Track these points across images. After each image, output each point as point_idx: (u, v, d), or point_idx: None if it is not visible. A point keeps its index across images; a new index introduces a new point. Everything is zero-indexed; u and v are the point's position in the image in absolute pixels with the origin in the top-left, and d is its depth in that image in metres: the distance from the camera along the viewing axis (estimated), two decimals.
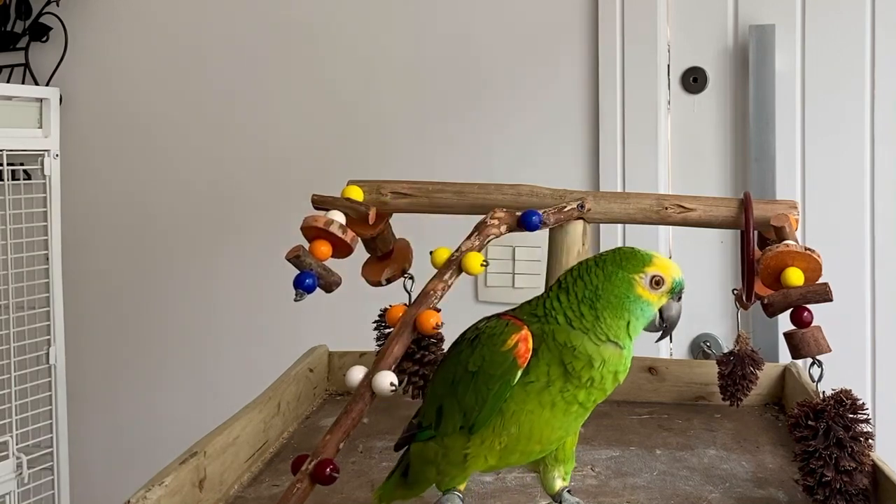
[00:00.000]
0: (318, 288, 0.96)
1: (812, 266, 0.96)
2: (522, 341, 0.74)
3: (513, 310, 0.79)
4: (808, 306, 0.95)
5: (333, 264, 0.98)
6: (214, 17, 2.15)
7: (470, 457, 0.77)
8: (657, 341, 0.79)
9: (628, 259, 0.75)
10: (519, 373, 0.74)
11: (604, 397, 0.77)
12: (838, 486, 0.88)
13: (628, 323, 0.74)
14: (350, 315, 1.56)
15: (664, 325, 0.77)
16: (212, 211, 2.16)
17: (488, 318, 0.79)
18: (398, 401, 1.18)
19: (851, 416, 0.90)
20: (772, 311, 0.96)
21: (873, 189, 1.82)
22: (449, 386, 0.77)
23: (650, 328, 0.77)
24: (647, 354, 1.71)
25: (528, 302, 0.79)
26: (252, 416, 1.07)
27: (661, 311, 0.76)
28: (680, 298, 0.77)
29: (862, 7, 1.80)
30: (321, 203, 1.03)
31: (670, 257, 1.90)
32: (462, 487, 0.80)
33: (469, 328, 0.80)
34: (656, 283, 0.75)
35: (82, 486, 2.06)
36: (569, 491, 0.81)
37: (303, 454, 0.85)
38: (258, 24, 2.12)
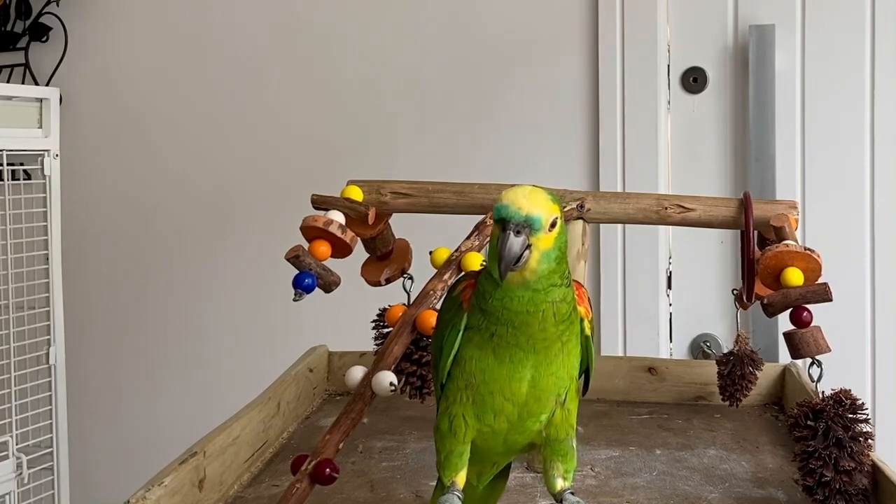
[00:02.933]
0: (317, 288, 0.96)
1: (812, 266, 0.96)
2: (469, 287, 0.77)
3: None
4: (808, 306, 0.95)
5: (333, 264, 0.98)
6: (214, 16, 2.15)
7: (453, 418, 0.77)
8: (501, 279, 0.72)
9: None
10: (465, 317, 0.76)
11: (541, 343, 0.74)
12: (838, 486, 0.88)
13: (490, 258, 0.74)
14: (350, 315, 1.56)
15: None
16: (211, 211, 2.16)
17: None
18: (398, 401, 1.18)
19: (851, 416, 0.90)
20: (771, 311, 0.96)
21: (873, 189, 1.82)
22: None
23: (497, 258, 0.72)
24: (647, 354, 1.72)
25: None
26: (252, 416, 1.07)
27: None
28: (505, 230, 0.70)
29: (862, 7, 1.80)
30: (321, 203, 1.03)
31: (670, 258, 1.91)
32: (461, 482, 0.79)
33: None
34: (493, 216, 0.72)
35: (82, 486, 2.06)
36: (572, 492, 0.80)
37: (302, 454, 0.85)
38: (258, 24, 2.12)
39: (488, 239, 0.96)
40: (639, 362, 1.32)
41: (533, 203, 0.71)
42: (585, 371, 0.81)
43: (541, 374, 0.76)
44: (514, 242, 0.70)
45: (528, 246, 0.71)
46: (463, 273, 0.80)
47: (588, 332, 0.79)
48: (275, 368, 1.26)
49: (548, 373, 0.76)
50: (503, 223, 0.70)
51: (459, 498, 0.78)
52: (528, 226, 0.70)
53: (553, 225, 0.72)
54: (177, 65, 2.18)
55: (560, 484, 0.80)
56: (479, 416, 0.77)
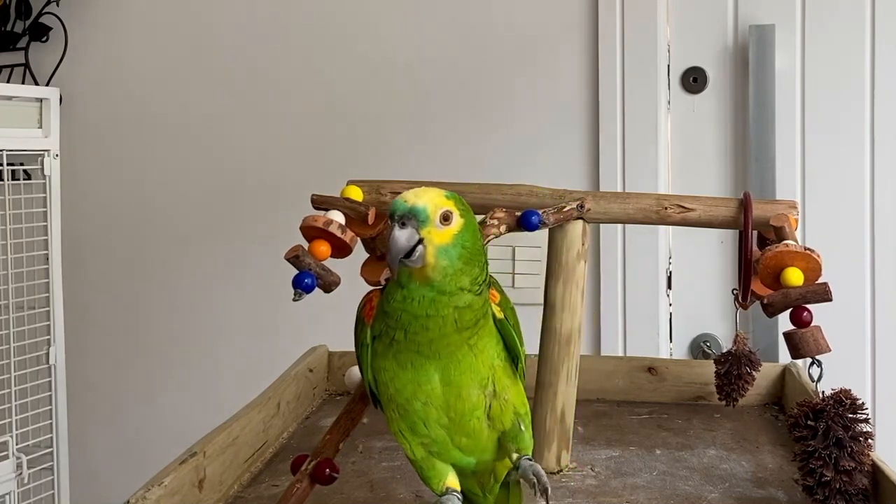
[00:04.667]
0: (316, 288, 0.96)
1: (812, 266, 0.96)
2: (367, 302, 0.79)
3: None
4: (808, 306, 0.94)
5: (333, 264, 0.98)
6: (215, 16, 2.15)
7: (396, 436, 0.78)
8: (392, 273, 0.73)
9: None
10: (368, 330, 0.77)
11: (437, 343, 0.73)
12: (838, 486, 0.88)
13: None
14: (350, 315, 1.56)
15: None
16: (211, 211, 2.16)
17: None
18: None
19: (851, 415, 0.90)
20: (771, 311, 0.96)
21: (873, 189, 1.82)
22: None
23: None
24: (647, 354, 1.72)
25: None
26: (252, 416, 1.07)
27: None
28: (403, 225, 0.71)
29: (862, 7, 1.80)
30: (321, 203, 1.03)
31: (670, 258, 1.91)
32: (453, 484, 0.79)
33: None
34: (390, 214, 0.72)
35: (82, 486, 2.06)
36: (528, 458, 0.78)
37: (302, 454, 0.85)
38: (258, 24, 2.12)
39: (489, 239, 0.96)
40: (639, 362, 1.32)
41: (419, 196, 0.72)
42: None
43: (451, 374, 0.75)
44: (400, 234, 0.71)
45: (420, 240, 0.71)
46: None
47: (500, 315, 0.78)
48: (275, 368, 1.26)
49: (458, 371, 0.75)
50: (391, 218, 0.71)
51: (458, 498, 0.78)
52: (412, 217, 0.71)
53: (446, 219, 0.72)
54: (177, 65, 2.18)
55: (514, 456, 0.79)
56: (411, 428, 0.77)
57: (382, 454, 1.09)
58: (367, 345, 0.77)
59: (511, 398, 0.78)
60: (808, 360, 0.94)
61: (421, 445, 0.78)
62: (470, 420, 0.77)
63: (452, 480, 0.79)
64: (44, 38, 2.22)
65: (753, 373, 1.21)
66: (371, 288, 0.82)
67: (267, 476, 1.04)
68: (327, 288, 0.97)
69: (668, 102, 1.90)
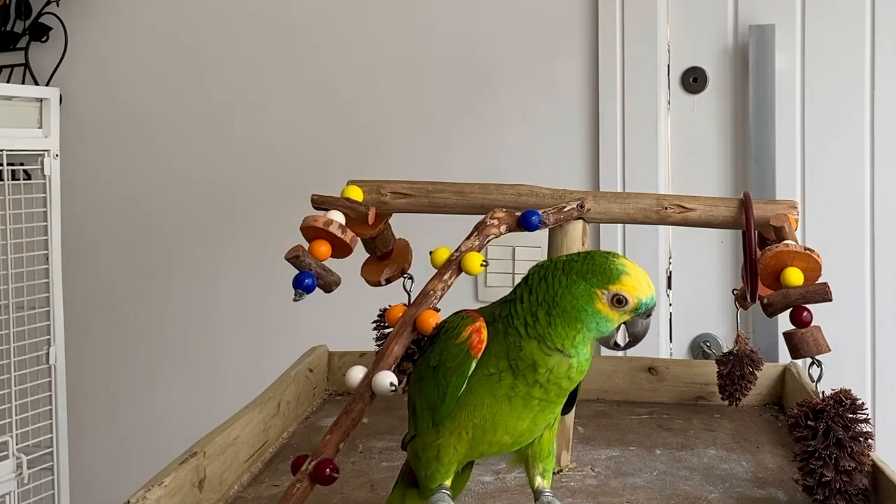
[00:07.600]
0: (317, 288, 0.96)
1: (811, 266, 0.96)
2: (476, 332, 0.75)
3: (484, 307, 0.79)
4: (808, 306, 0.94)
5: (333, 264, 0.98)
6: (214, 17, 2.15)
7: (441, 447, 0.77)
8: (623, 349, 0.77)
9: (594, 272, 0.73)
10: (473, 363, 0.74)
11: (564, 394, 0.76)
12: (838, 486, 0.88)
13: (579, 333, 0.73)
14: (350, 315, 1.56)
15: (626, 340, 0.75)
16: (212, 211, 2.16)
17: (455, 314, 0.80)
18: (398, 401, 1.18)
19: (851, 415, 0.90)
20: (771, 310, 0.96)
21: (873, 189, 1.82)
22: (417, 384, 0.79)
23: (606, 341, 0.75)
24: (647, 354, 1.72)
25: (503, 299, 0.78)
26: (252, 416, 1.07)
27: (625, 324, 0.75)
28: (649, 315, 0.75)
29: (862, 7, 1.80)
30: (321, 203, 1.03)
31: (670, 258, 1.91)
32: (448, 482, 0.80)
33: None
34: (618, 301, 0.73)
35: (82, 486, 2.06)
36: (550, 493, 0.80)
37: (302, 454, 0.85)
38: (258, 24, 2.12)
39: (489, 239, 0.96)
40: (639, 362, 1.32)
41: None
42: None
43: (543, 413, 0.77)
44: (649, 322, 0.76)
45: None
46: (458, 315, 0.78)
47: None
48: (275, 368, 1.26)
49: (548, 410, 0.77)
50: (648, 312, 0.75)
51: (449, 496, 0.79)
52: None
53: None
54: (176, 65, 2.18)
55: (538, 481, 0.80)
56: (472, 446, 0.78)
57: (382, 454, 1.09)
58: (466, 378, 0.75)
59: (557, 428, 0.81)
60: (808, 360, 0.94)
61: (461, 457, 0.78)
62: (521, 446, 0.80)
63: (448, 480, 0.80)
64: (44, 38, 2.22)
65: (756, 372, 1.21)
66: (466, 310, 0.79)
67: (267, 476, 1.04)
68: (327, 288, 0.97)
69: (668, 102, 1.90)
